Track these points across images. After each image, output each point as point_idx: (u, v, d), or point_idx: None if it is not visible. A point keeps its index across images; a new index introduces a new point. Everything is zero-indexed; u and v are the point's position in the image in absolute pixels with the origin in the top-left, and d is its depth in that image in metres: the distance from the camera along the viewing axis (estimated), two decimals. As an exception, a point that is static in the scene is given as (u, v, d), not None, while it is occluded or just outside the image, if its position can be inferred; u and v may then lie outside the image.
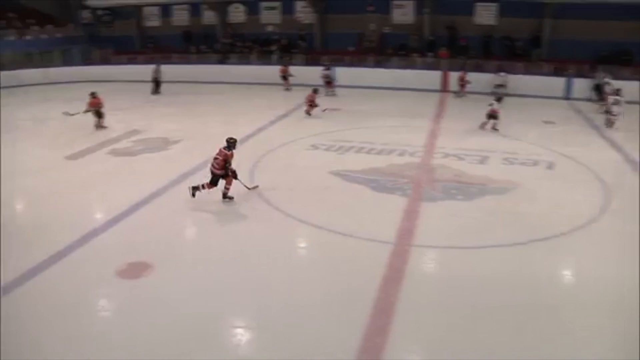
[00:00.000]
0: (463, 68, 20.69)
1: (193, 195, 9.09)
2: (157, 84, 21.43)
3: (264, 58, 24.32)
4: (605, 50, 21.24)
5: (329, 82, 20.46)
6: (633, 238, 7.92)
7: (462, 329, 5.80)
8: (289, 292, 6.45)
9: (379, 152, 12.37)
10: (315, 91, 16.85)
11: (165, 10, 27.94)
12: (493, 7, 23.03)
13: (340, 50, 24.26)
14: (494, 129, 14.57)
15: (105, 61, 26.56)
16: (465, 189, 10.07)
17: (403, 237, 7.95)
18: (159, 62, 22.56)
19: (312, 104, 16.49)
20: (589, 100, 19.41)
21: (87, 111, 14.55)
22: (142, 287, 6.59)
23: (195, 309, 6.03)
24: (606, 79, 18.35)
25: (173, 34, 27.45)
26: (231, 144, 9.10)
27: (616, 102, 15.38)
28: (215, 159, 9.02)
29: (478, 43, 22.90)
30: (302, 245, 8.22)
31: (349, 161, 11.68)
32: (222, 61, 24.84)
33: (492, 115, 14.56)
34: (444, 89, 21.11)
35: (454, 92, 20.53)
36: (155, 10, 28.12)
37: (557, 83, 20.28)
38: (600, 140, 14.37)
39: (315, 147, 12.84)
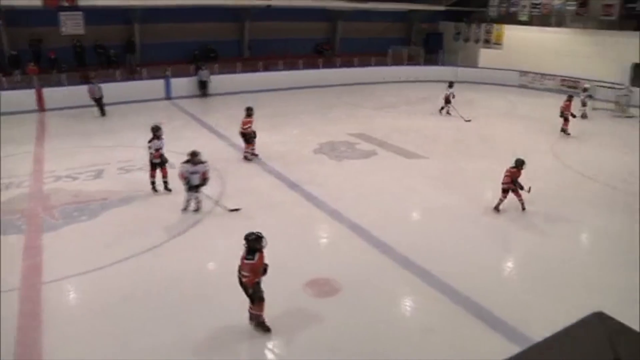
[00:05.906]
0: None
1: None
2: None
3: None
4: (197, 50, 23.69)
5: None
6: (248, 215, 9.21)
7: (120, 350, 5.76)
8: None
9: (-23, 192, 10.63)
10: (570, 98, 14.83)
11: None
12: (79, 15, 22.04)
13: None
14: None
15: None
16: (87, 207, 9.76)
17: (30, 278, 7.30)
18: None
19: (570, 116, 15.09)
20: (195, 96, 21.31)
21: None
22: None
23: None
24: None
25: None
26: (519, 163, 9.67)
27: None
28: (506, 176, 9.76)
29: (69, 54, 21.85)
30: None
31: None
32: None
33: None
34: (41, 107, 19.12)
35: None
36: None
37: (157, 85, 21.10)
38: (205, 131, 15.82)
39: None
